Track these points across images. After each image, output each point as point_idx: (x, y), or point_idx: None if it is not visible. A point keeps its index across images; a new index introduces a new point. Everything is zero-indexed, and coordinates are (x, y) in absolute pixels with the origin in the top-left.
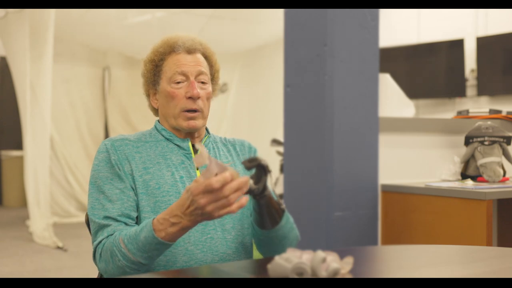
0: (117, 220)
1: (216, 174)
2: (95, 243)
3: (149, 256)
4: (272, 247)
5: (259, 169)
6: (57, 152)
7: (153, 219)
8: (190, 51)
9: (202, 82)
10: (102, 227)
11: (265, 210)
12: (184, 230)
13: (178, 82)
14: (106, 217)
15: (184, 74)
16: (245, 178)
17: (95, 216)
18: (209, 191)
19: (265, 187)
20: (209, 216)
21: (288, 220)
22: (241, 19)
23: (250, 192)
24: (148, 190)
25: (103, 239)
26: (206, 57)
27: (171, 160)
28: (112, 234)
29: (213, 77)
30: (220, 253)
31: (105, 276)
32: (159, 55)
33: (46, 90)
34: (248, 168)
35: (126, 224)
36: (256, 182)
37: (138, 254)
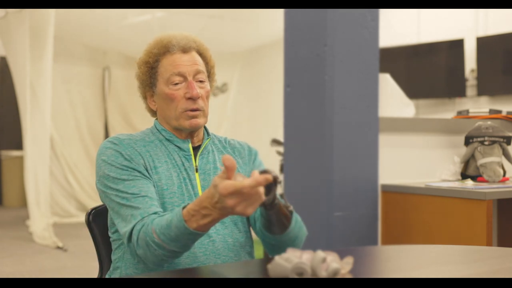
0: (146, 197)
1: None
2: (127, 228)
3: (184, 245)
4: (285, 249)
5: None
6: (57, 152)
7: (182, 209)
8: (185, 50)
9: (200, 81)
10: (132, 209)
11: (275, 218)
12: (216, 221)
13: (176, 84)
14: (134, 195)
15: (181, 74)
16: (268, 176)
17: (122, 200)
18: (239, 193)
19: (274, 198)
20: (240, 213)
21: (297, 220)
22: (241, 19)
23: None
24: (157, 190)
25: (136, 222)
26: (201, 54)
27: (175, 160)
28: (144, 218)
29: (210, 74)
30: (222, 256)
31: (146, 262)
32: (153, 57)
33: (46, 90)
34: None
35: (154, 203)
36: (266, 194)
37: (172, 244)
